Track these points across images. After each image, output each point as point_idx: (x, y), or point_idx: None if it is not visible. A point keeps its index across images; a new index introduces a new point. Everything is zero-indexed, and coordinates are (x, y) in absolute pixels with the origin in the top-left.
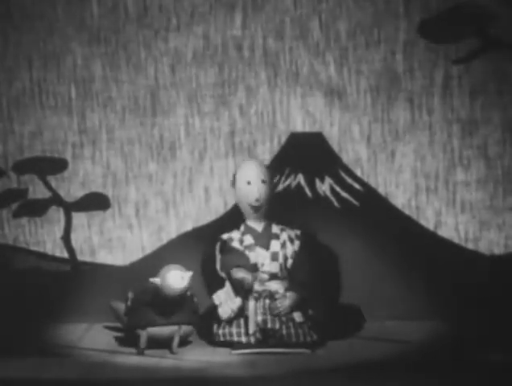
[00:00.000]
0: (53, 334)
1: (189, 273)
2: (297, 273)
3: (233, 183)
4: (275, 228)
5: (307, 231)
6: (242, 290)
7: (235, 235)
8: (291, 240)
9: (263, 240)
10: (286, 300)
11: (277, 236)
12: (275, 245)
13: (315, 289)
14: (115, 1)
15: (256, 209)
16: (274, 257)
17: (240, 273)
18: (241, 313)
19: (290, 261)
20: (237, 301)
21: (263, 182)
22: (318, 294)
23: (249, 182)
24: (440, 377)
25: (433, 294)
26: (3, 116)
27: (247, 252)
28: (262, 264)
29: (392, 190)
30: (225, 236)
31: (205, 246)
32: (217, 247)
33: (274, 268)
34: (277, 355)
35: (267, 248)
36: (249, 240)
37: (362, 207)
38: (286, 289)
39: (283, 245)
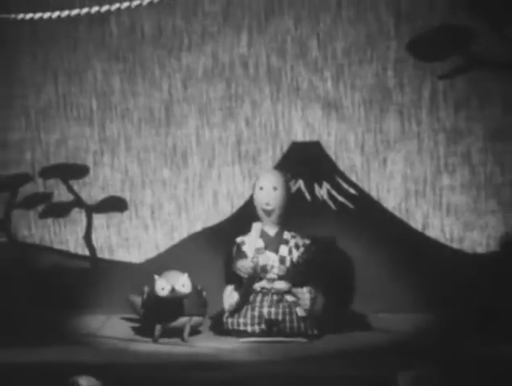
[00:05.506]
0: (76, 324)
1: (171, 285)
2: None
3: (253, 191)
4: (287, 235)
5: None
6: (248, 278)
7: (248, 238)
8: (297, 247)
9: (274, 244)
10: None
11: (286, 242)
12: (284, 250)
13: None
14: (132, 22)
15: (267, 213)
16: (282, 261)
17: (239, 263)
18: (241, 305)
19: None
20: (235, 296)
21: (275, 188)
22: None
23: (261, 188)
24: (429, 361)
25: (421, 289)
26: (31, 126)
27: (257, 255)
28: (272, 267)
29: (384, 195)
30: (238, 239)
31: (225, 247)
32: (234, 249)
33: (282, 270)
34: (278, 343)
35: (276, 251)
36: (260, 243)
37: (357, 210)
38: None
39: (290, 251)
